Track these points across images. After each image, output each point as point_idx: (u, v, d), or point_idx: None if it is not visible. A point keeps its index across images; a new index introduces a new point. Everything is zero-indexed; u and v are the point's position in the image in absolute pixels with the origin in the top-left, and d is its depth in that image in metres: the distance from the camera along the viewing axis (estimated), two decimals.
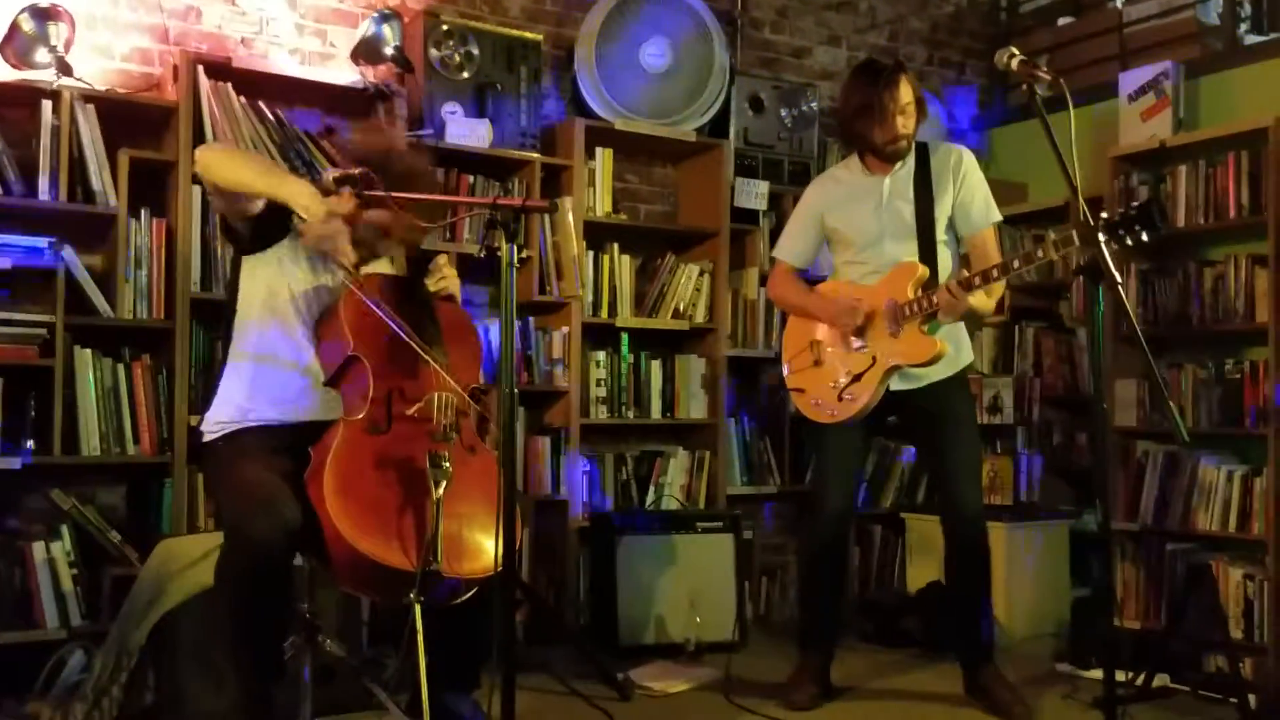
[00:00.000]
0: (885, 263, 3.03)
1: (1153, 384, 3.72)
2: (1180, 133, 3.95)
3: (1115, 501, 3.88)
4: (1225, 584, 3.62)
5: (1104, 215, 2.36)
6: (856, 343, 3.02)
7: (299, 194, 2.30)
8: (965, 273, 2.89)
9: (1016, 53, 2.41)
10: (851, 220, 3.09)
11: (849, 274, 3.12)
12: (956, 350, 3.06)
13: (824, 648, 3.17)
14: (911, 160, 3.06)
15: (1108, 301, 2.14)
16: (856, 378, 3.00)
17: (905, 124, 2.99)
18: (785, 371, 3.22)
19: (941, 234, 3.04)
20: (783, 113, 4.39)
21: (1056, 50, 4.76)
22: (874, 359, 2.98)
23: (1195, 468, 3.76)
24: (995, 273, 2.78)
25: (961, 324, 3.07)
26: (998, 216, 3.10)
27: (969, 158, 3.08)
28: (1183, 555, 3.78)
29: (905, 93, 2.98)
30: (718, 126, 4.28)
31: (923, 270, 2.96)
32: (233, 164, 2.39)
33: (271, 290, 2.47)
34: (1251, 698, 3.03)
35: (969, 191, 3.06)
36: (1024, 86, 2.39)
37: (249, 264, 2.51)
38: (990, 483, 4.10)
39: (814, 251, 3.24)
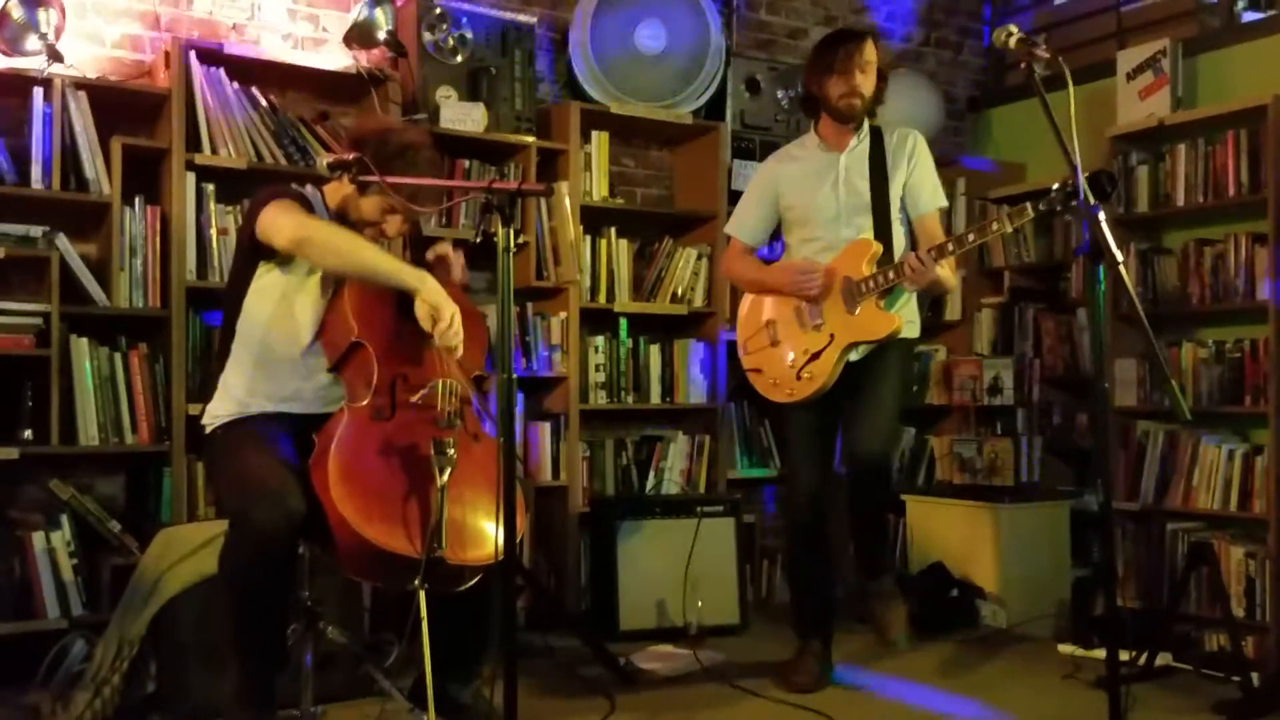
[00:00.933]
0: (840, 240, 3.03)
1: (1154, 362, 3.71)
2: (1178, 111, 3.93)
3: (1116, 481, 3.87)
4: (1226, 562, 3.62)
5: (1054, 187, 2.43)
6: (813, 320, 3.02)
7: (431, 289, 2.30)
8: (933, 243, 2.91)
9: (1015, 31, 2.39)
10: (808, 197, 3.09)
11: (803, 253, 3.11)
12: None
13: (820, 628, 3.15)
14: (867, 140, 3.08)
15: (1108, 281, 2.12)
16: (814, 356, 3.00)
17: (863, 82, 2.99)
18: (742, 352, 3.21)
19: (895, 213, 3.06)
20: (779, 94, 4.37)
21: (1053, 29, 4.74)
22: (831, 336, 2.98)
23: (1196, 446, 3.76)
24: (951, 246, 2.82)
25: (913, 299, 3.09)
26: (944, 202, 3.15)
27: (921, 141, 3.11)
28: (1184, 534, 3.78)
29: (868, 51, 2.99)
30: (714, 109, 4.26)
31: (877, 247, 2.97)
32: (344, 244, 2.34)
33: (285, 292, 2.46)
34: (1254, 675, 3.03)
35: (920, 174, 3.08)
36: (1022, 65, 2.36)
37: (268, 264, 2.47)
38: (990, 464, 4.10)
39: (767, 229, 3.22)
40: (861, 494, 3.09)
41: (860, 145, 3.08)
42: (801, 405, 3.05)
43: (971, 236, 2.82)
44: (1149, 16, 4.37)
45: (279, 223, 2.33)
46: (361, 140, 2.46)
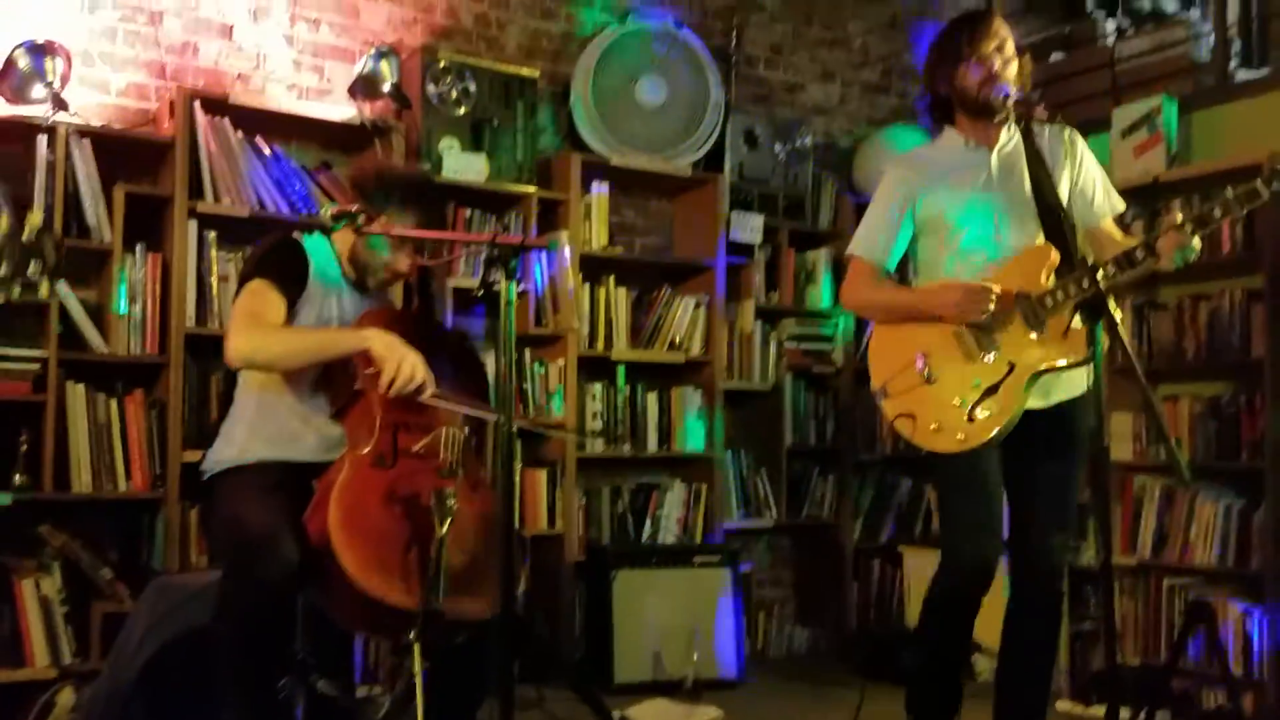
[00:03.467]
0: (1005, 251, 2.51)
1: (1153, 421, 3.71)
2: (1173, 168, 3.97)
3: (1113, 535, 3.86)
4: (1225, 619, 3.60)
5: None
6: (984, 346, 2.48)
7: (378, 344, 2.29)
8: (1178, 215, 2.37)
9: (1007, 78, 2.42)
10: (954, 201, 2.55)
11: (955, 268, 2.56)
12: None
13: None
14: (1018, 137, 2.52)
15: (1106, 338, 2.13)
16: (991, 390, 2.43)
17: (1004, 67, 2.49)
18: (881, 397, 2.59)
19: (1066, 215, 2.47)
20: (777, 148, 4.42)
21: (1049, 86, 4.79)
22: (1011, 365, 2.43)
23: (1193, 502, 3.75)
24: (1217, 211, 2.29)
25: None
26: (1122, 205, 2.65)
27: (1080, 137, 2.61)
28: (1181, 590, 3.76)
29: (1001, 28, 2.52)
30: (713, 161, 4.30)
31: (1056, 254, 2.43)
32: (286, 350, 2.37)
33: None
34: None
35: (1091, 173, 2.59)
36: (1020, 124, 2.39)
37: None
38: None
39: (902, 247, 2.66)
40: (1036, 612, 2.54)
41: (1012, 142, 2.56)
42: (976, 451, 2.46)
43: (1217, 211, 2.30)
44: (1143, 74, 4.42)
45: (229, 345, 2.35)
46: (362, 182, 2.49)
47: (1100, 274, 2.26)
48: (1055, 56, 4.90)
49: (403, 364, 2.27)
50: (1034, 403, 2.47)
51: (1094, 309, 2.09)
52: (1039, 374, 2.43)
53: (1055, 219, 2.43)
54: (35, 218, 1.88)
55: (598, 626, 3.72)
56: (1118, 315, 2.08)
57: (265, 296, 2.37)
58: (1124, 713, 3.05)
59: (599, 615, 3.71)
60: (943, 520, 2.66)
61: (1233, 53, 4.46)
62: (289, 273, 2.42)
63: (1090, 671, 3.78)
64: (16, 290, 1.84)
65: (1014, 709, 2.57)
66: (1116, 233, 2.61)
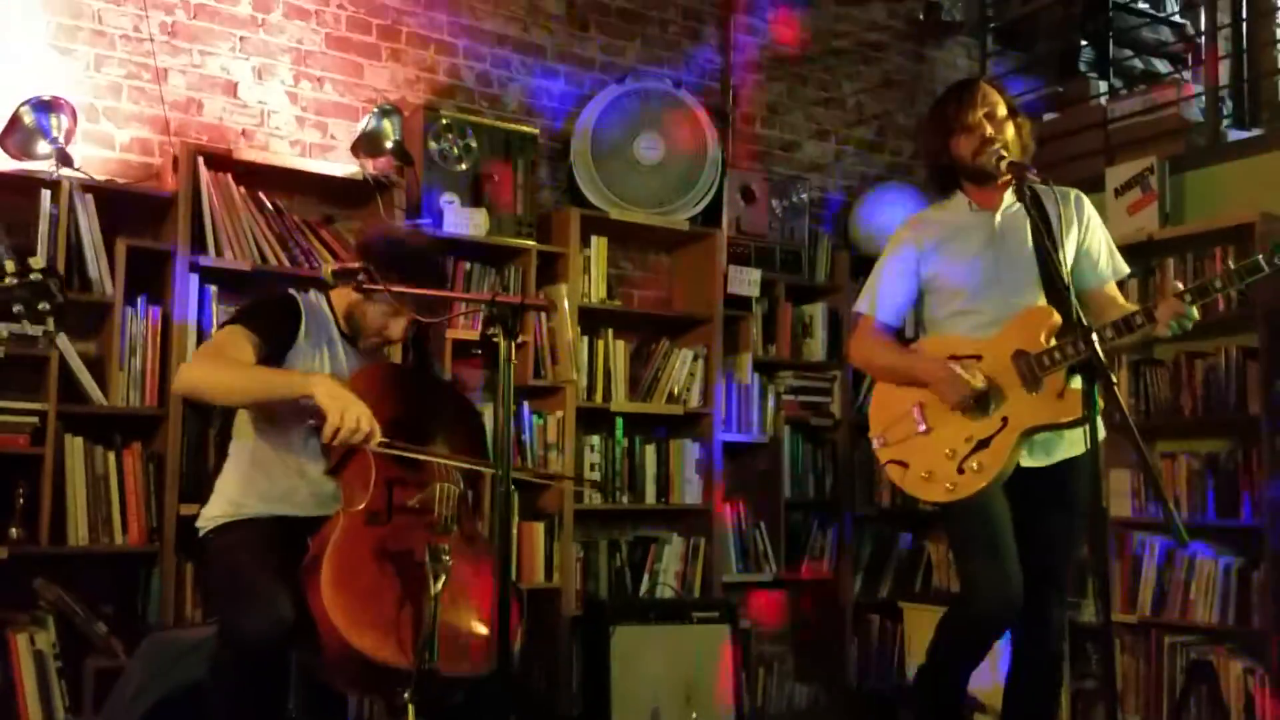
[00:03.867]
0: (1005, 312, 2.57)
1: (1151, 482, 3.72)
2: (1167, 226, 4.01)
3: (1112, 592, 3.85)
4: (1226, 678, 3.57)
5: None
6: (981, 407, 2.54)
7: (316, 385, 2.27)
8: (1178, 284, 2.46)
9: (1005, 154, 2.46)
10: (958, 262, 2.63)
11: (957, 327, 2.64)
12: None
13: None
14: (1024, 199, 2.54)
15: (1103, 398, 2.15)
16: (982, 444, 2.50)
17: (995, 130, 2.56)
18: (877, 444, 2.69)
19: (1068, 279, 2.44)
20: (774, 203, 4.47)
21: (1042, 145, 4.85)
22: (1004, 420, 2.49)
23: (1193, 559, 3.75)
24: (1217, 283, 2.37)
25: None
26: (1125, 269, 2.70)
27: (1088, 201, 2.68)
28: (1183, 648, 3.74)
29: (989, 95, 2.59)
30: (710, 215, 4.34)
31: (1057, 316, 2.49)
32: (225, 383, 2.36)
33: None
34: None
35: (1097, 236, 2.64)
36: (1016, 189, 2.42)
37: None
38: None
39: (909, 306, 2.75)
40: (1035, 672, 2.57)
41: (1015, 206, 2.61)
42: (977, 497, 2.51)
43: (1218, 283, 2.38)
44: (1136, 134, 4.49)
45: (179, 372, 2.41)
46: (368, 246, 2.51)
47: (1097, 337, 2.27)
48: (1048, 116, 4.98)
49: (345, 413, 2.22)
50: (1035, 461, 2.53)
51: (1091, 370, 2.10)
52: (1031, 431, 2.49)
53: (1056, 281, 2.47)
54: (39, 260, 1.94)
55: (595, 682, 3.68)
56: (1115, 377, 2.09)
57: (235, 339, 2.38)
58: None
59: (597, 670, 3.68)
60: (958, 553, 2.68)
61: (1224, 113, 4.54)
62: (271, 326, 2.43)
63: None
64: (29, 327, 1.91)
65: None
66: (1118, 296, 2.67)
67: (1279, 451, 3.54)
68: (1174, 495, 3.82)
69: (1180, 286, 2.40)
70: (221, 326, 2.47)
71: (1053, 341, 2.48)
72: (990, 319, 2.59)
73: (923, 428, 2.61)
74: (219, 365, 2.34)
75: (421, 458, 2.38)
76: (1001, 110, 2.59)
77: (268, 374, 2.38)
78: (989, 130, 2.55)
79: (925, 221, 2.76)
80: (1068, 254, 2.57)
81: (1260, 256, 2.33)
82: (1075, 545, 2.57)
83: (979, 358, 2.56)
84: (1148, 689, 3.80)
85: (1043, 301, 2.55)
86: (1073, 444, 2.54)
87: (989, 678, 3.77)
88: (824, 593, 4.46)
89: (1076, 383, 2.50)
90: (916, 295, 2.73)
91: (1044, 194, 2.56)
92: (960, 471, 2.51)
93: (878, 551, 4.54)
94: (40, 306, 1.92)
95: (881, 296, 2.73)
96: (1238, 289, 2.47)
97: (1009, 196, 2.62)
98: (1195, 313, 2.40)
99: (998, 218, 2.63)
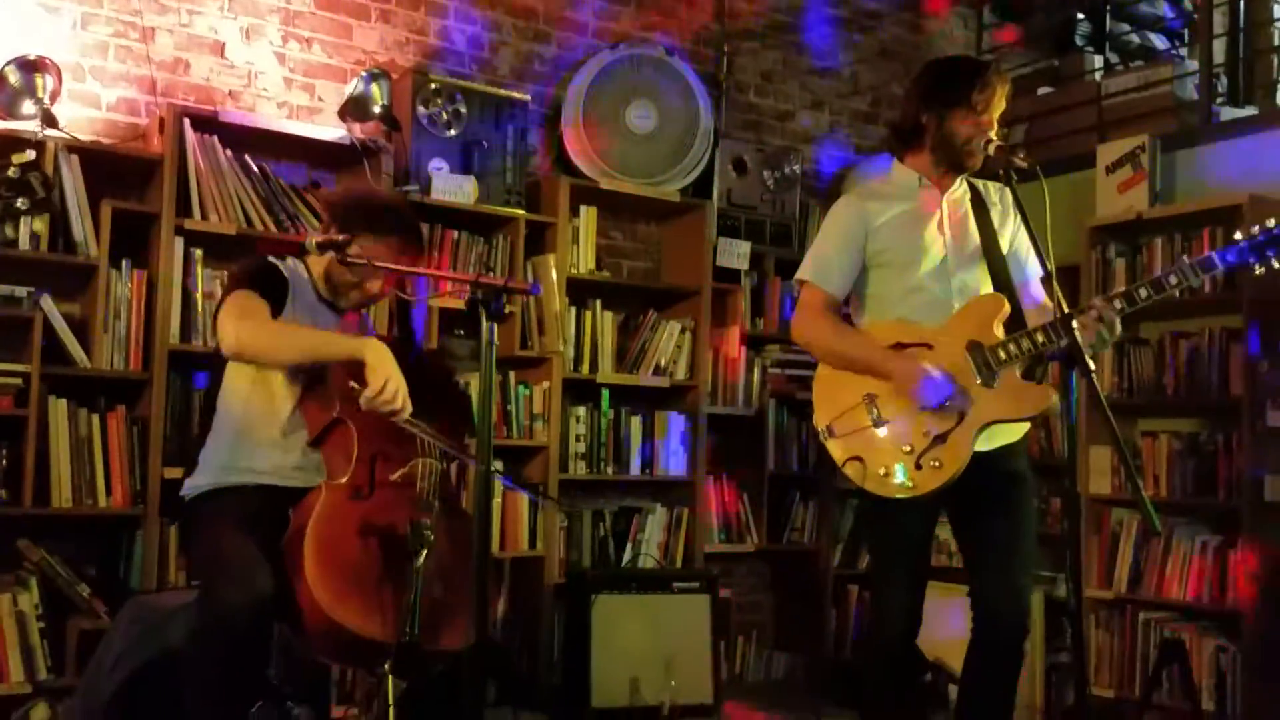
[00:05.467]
0: (950, 293, 2.51)
1: (1126, 469, 3.73)
2: (1156, 206, 4.01)
3: (1089, 568, 3.89)
4: (1198, 656, 3.62)
5: (1238, 236, 2.33)
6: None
7: (375, 354, 2.29)
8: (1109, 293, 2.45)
9: (994, 138, 2.44)
10: (906, 237, 2.53)
11: (899, 309, 2.54)
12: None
13: None
14: (965, 187, 2.60)
15: (1081, 385, 2.15)
16: (940, 439, 2.41)
17: (994, 131, 2.50)
18: (826, 436, 2.54)
19: (1010, 268, 2.54)
20: (765, 175, 4.45)
21: (1035, 120, 4.84)
22: (961, 415, 2.41)
23: (1169, 538, 3.78)
24: (1144, 292, 2.37)
25: None
26: (1050, 266, 2.54)
27: (1012, 197, 2.56)
28: (1157, 625, 3.79)
29: (1005, 94, 2.51)
30: (701, 187, 4.32)
31: (1007, 305, 2.45)
32: (280, 342, 2.39)
33: (261, 366, 2.46)
34: None
35: (1023, 233, 2.54)
36: (1001, 172, 2.41)
37: None
38: None
39: (853, 278, 2.60)
40: (996, 671, 2.50)
41: (961, 190, 2.59)
42: (909, 503, 2.45)
43: (1144, 292, 2.38)
44: (1129, 111, 4.47)
45: (222, 332, 2.39)
46: (335, 205, 2.54)
47: (1048, 335, 2.33)
48: (1043, 90, 4.95)
49: (389, 381, 2.28)
50: (979, 445, 2.46)
51: (1069, 358, 2.11)
52: (988, 424, 2.42)
53: (1001, 271, 2.49)
54: (23, 156, 1.90)
55: (576, 651, 3.72)
56: (1093, 365, 2.09)
57: (254, 302, 2.40)
58: None
59: (578, 639, 3.71)
60: (873, 571, 2.73)
61: (1217, 92, 4.51)
62: (270, 291, 2.44)
63: (1064, 704, 3.80)
64: (8, 228, 1.88)
65: None
66: (1043, 293, 2.59)
67: (1259, 433, 3.57)
68: (1154, 474, 3.85)
69: (1116, 300, 2.39)
70: (227, 291, 2.46)
71: (1002, 333, 2.43)
72: (934, 298, 2.51)
73: (875, 420, 2.48)
74: (263, 325, 2.36)
75: (429, 437, 2.39)
76: (1002, 109, 2.52)
77: (317, 333, 2.43)
78: (991, 128, 2.48)
79: (874, 194, 2.64)
80: (1005, 243, 2.56)
81: (1182, 269, 2.36)
82: (1026, 522, 2.53)
83: (930, 346, 2.46)
84: (1121, 665, 3.85)
85: (988, 288, 2.51)
86: (1009, 432, 2.52)
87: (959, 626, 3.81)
88: (804, 564, 4.50)
89: (1032, 377, 2.52)
90: (859, 269, 2.60)
91: (981, 187, 2.56)
92: (918, 468, 2.42)
93: (858, 524, 4.57)
94: (19, 204, 1.88)
95: (829, 268, 2.58)
96: (1189, 285, 2.41)
97: (956, 182, 2.58)
98: (1118, 327, 2.39)
99: (945, 200, 2.57)
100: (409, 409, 2.32)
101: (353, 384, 2.31)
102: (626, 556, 4.12)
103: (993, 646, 2.49)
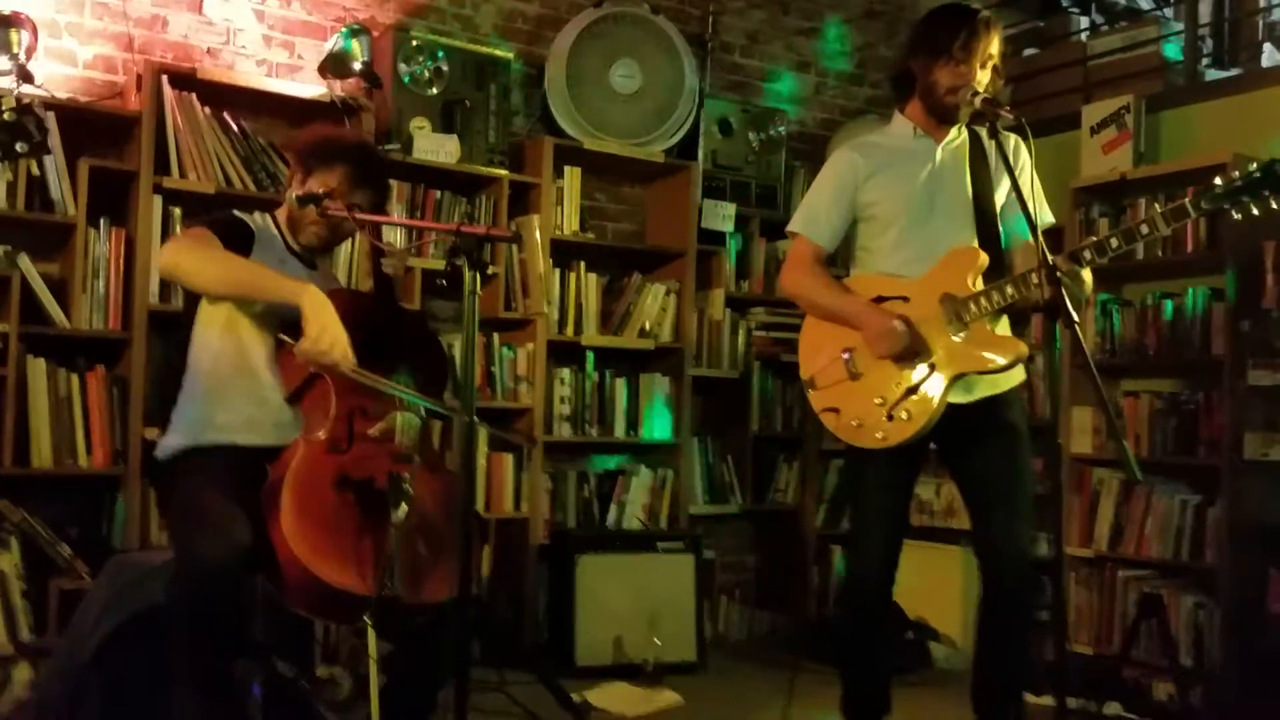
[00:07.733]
0: (936, 247, 2.51)
1: (1108, 421, 3.75)
2: (1140, 166, 4.01)
3: (1070, 527, 3.92)
4: (1176, 612, 3.66)
5: (1217, 181, 2.29)
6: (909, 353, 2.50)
7: (310, 301, 2.22)
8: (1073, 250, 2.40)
9: (980, 90, 2.43)
10: (895, 191, 2.55)
11: (885, 263, 2.57)
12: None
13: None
14: (965, 137, 2.60)
15: (1065, 338, 2.15)
16: (911, 391, 2.45)
17: (981, 78, 2.47)
18: (809, 388, 2.61)
19: (1000, 221, 2.55)
20: (751, 136, 4.42)
21: (1021, 81, 4.82)
22: (932, 366, 2.46)
23: (1150, 496, 3.81)
24: (1089, 252, 2.34)
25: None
26: (1051, 218, 2.62)
27: (1024, 147, 2.54)
28: (1136, 582, 3.83)
29: (995, 43, 2.48)
30: (686, 148, 4.30)
31: (984, 257, 2.47)
32: (215, 268, 2.30)
33: (229, 319, 2.42)
34: None
35: (1027, 183, 2.51)
36: (987, 125, 2.40)
37: None
38: (948, 506, 4.14)
39: (844, 229, 2.62)
40: (1012, 611, 2.50)
41: (959, 140, 2.59)
42: (885, 454, 2.50)
43: (1115, 242, 2.34)
44: (1115, 71, 4.46)
45: (164, 253, 2.36)
46: (292, 150, 2.51)
47: (1023, 286, 2.32)
48: (1028, 51, 4.93)
49: (322, 334, 2.20)
50: (957, 397, 2.48)
51: (1052, 309, 2.10)
52: (958, 377, 2.45)
53: (990, 223, 2.50)
54: (10, 99, 1.86)
55: (561, 610, 3.74)
56: (1076, 316, 2.09)
57: (208, 238, 2.35)
58: (1073, 703, 3.12)
59: (562, 599, 3.73)
60: (851, 518, 2.74)
61: (1203, 53, 4.50)
62: (231, 239, 2.38)
63: (1043, 660, 3.84)
64: (7, 169, 1.85)
65: (991, 693, 2.57)
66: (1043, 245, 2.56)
67: (1240, 392, 3.59)
68: (1135, 433, 3.88)
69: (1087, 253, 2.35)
70: (186, 230, 2.42)
71: (979, 284, 2.45)
72: (919, 253, 2.52)
73: (853, 373, 2.54)
74: (209, 255, 2.28)
75: (383, 388, 2.37)
76: (996, 61, 2.50)
77: (259, 269, 2.33)
78: (977, 77, 2.46)
79: (868, 145, 2.65)
80: (999, 197, 2.56)
81: (1187, 201, 2.29)
82: (1021, 470, 2.52)
83: (906, 299, 2.50)
84: (1100, 621, 3.89)
85: (973, 242, 2.51)
86: (993, 383, 2.52)
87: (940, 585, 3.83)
88: (788, 525, 4.53)
89: (1003, 327, 2.53)
90: (851, 221, 2.62)
91: (984, 134, 2.52)
92: (889, 419, 2.47)
93: (842, 485, 4.59)
94: (19, 147, 1.84)
95: (820, 218, 2.61)
96: (1161, 233, 2.37)
97: (954, 131, 2.58)
98: (1088, 277, 2.37)
99: (939, 150, 2.57)
100: (350, 361, 2.25)
101: (282, 336, 2.28)
102: (611, 518, 4.13)
103: (999, 589, 2.50)
